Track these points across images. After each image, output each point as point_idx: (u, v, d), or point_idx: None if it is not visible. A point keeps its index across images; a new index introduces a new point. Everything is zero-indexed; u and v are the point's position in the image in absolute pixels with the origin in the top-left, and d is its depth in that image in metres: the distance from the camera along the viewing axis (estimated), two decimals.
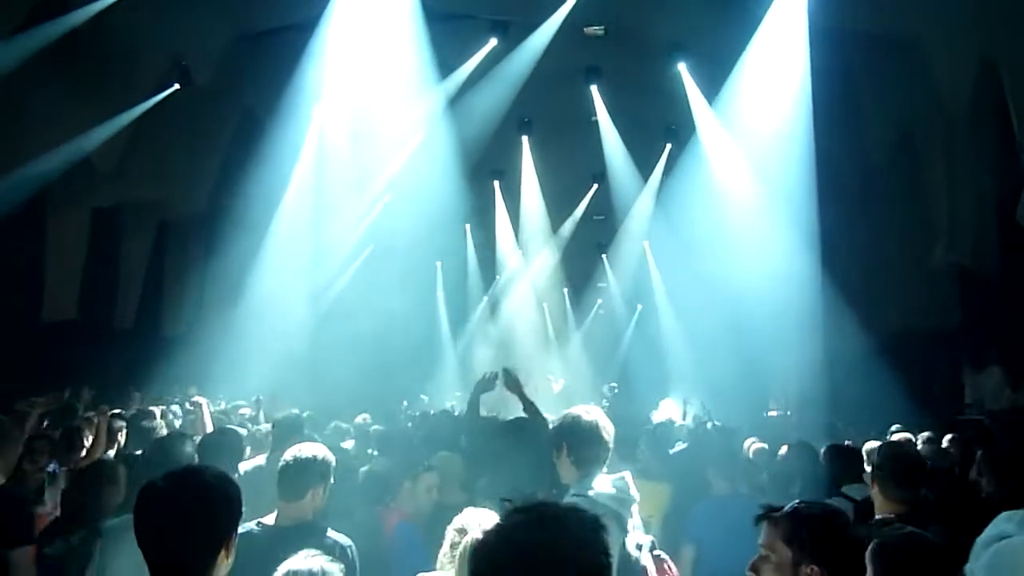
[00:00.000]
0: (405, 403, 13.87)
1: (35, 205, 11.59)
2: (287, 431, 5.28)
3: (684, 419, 12.23)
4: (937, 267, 11.56)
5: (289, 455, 3.43)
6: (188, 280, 15.41)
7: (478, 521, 2.99)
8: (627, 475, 3.02)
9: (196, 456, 3.97)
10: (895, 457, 3.63)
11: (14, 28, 9.18)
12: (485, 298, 20.97)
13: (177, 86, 11.91)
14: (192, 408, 6.64)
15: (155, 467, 3.29)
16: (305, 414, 6.78)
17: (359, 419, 8.43)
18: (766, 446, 6.74)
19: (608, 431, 3.01)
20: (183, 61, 11.91)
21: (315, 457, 3.41)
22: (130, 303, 14.33)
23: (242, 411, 9.16)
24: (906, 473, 3.53)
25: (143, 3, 10.38)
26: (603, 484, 2.92)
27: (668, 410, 14.37)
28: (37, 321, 12.18)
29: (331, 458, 3.50)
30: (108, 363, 12.30)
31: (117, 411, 6.69)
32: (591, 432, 2.98)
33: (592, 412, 3.09)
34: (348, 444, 6.58)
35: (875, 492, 3.57)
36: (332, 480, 3.49)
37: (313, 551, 2.55)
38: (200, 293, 15.40)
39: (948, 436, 7.00)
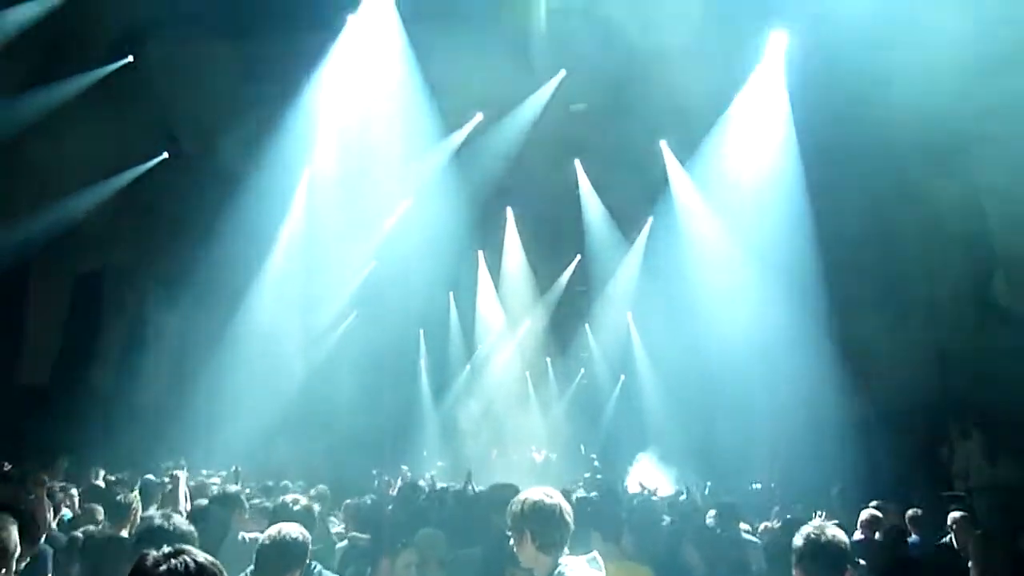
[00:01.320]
0: (375, 472, 13.60)
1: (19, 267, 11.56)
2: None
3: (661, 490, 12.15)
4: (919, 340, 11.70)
5: (268, 536, 3.35)
6: (166, 345, 15.26)
7: None
8: (596, 554, 2.99)
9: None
10: (815, 546, 3.51)
11: (12, 90, 9.34)
12: (468, 367, 20.89)
13: (166, 155, 12.06)
14: (169, 481, 6.50)
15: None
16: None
17: (313, 491, 8.11)
18: (746, 527, 6.68)
19: (568, 513, 2.99)
20: (173, 131, 12.09)
21: (295, 539, 3.33)
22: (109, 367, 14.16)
23: (213, 482, 8.93)
24: (826, 564, 3.33)
25: (135, 69, 10.61)
26: (578, 566, 2.88)
27: (643, 476, 14.26)
28: (12, 384, 12.01)
29: (308, 538, 3.44)
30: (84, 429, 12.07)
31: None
32: (555, 516, 2.93)
33: (552, 495, 3.05)
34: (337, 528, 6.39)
35: None
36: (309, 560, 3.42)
37: None
38: (179, 359, 15.24)
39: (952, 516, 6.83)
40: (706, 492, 11.03)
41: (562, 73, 12.12)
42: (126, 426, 12.48)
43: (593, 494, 6.08)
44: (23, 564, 3.27)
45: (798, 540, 3.61)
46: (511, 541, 2.99)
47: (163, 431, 12.36)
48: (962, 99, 9.27)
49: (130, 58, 10.78)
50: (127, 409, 13.63)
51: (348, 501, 6.53)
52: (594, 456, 17.67)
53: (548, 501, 2.99)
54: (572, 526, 2.98)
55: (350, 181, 13.43)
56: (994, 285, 9.75)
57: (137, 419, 12.94)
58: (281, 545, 3.31)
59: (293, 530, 3.39)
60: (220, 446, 11.50)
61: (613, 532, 4.22)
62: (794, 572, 3.43)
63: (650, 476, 14.50)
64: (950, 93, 9.00)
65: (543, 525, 2.94)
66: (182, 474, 6.18)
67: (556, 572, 2.89)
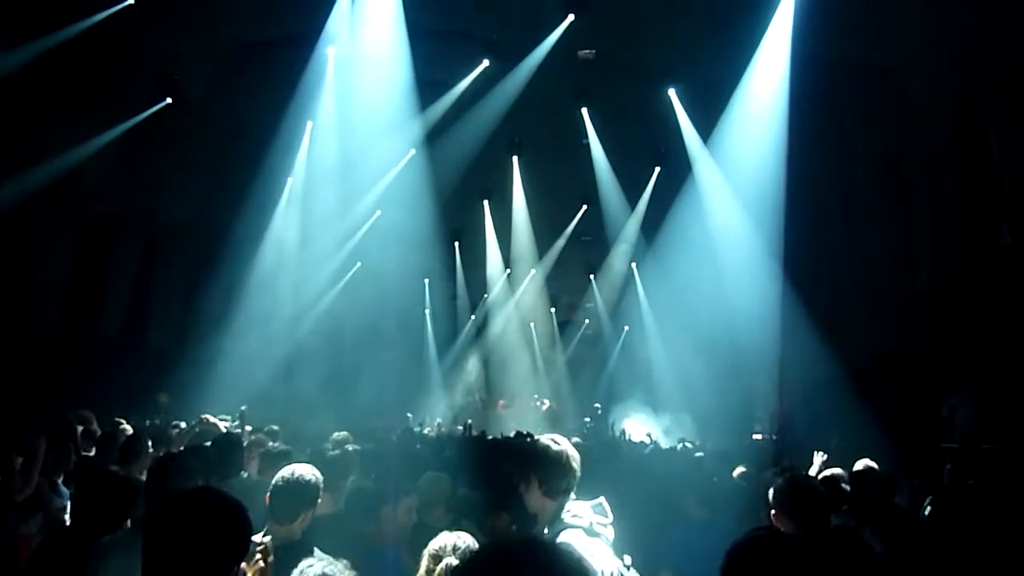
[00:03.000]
0: (410, 415, 13.90)
1: (22, 216, 11.56)
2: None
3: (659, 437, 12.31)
4: (919, 292, 11.69)
5: (281, 478, 3.42)
6: (175, 292, 15.37)
7: (453, 545, 2.99)
8: (603, 500, 3.02)
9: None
10: (793, 492, 3.49)
11: (8, 41, 9.19)
12: (473, 317, 20.98)
13: (169, 100, 11.93)
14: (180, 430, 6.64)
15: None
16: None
17: (337, 436, 8.30)
18: (744, 469, 6.76)
19: (576, 459, 3.02)
20: (175, 75, 11.93)
21: (308, 480, 3.42)
22: (116, 314, 14.27)
23: (223, 424, 9.08)
24: (806, 508, 3.41)
25: (136, 17, 10.42)
26: (583, 511, 2.92)
27: (638, 426, 14.44)
28: (25, 329, 12.14)
29: (320, 479, 3.51)
30: (93, 374, 12.23)
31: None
32: (561, 463, 2.97)
33: (560, 442, 3.09)
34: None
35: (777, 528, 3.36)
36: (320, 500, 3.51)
37: (311, 560, 2.56)
38: (188, 306, 15.36)
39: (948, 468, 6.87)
40: (697, 443, 11.18)
41: (570, 18, 11.86)
42: (134, 370, 12.65)
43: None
44: None
45: (780, 483, 3.68)
46: (520, 487, 3.03)
47: (171, 375, 12.50)
48: None
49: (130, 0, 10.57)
50: (134, 353, 13.82)
51: (354, 447, 6.63)
52: (598, 405, 17.86)
53: (555, 448, 3.03)
54: (579, 472, 3.02)
55: (353, 132, 13.31)
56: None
57: (144, 363, 13.10)
58: (294, 485, 3.39)
59: (306, 471, 3.46)
60: (227, 390, 11.63)
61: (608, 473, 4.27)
62: (772, 514, 3.50)
63: (644, 425, 14.71)
64: None
65: (550, 472, 2.97)
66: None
67: (559, 517, 2.93)
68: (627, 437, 12.70)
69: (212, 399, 11.41)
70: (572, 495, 3.00)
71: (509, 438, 8.99)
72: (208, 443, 5.16)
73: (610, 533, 2.93)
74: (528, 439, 4.78)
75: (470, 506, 4.80)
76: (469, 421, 12.58)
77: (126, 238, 14.24)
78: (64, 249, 12.69)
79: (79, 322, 13.05)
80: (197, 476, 3.57)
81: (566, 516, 2.91)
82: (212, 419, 6.79)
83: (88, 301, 13.49)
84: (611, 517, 2.97)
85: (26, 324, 12.13)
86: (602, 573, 2.71)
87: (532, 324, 21.03)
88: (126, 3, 10.39)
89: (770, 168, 11.52)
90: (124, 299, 14.35)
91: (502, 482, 3.08)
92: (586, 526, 2.88)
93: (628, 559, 2.96)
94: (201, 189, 14.24)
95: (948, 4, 9.27)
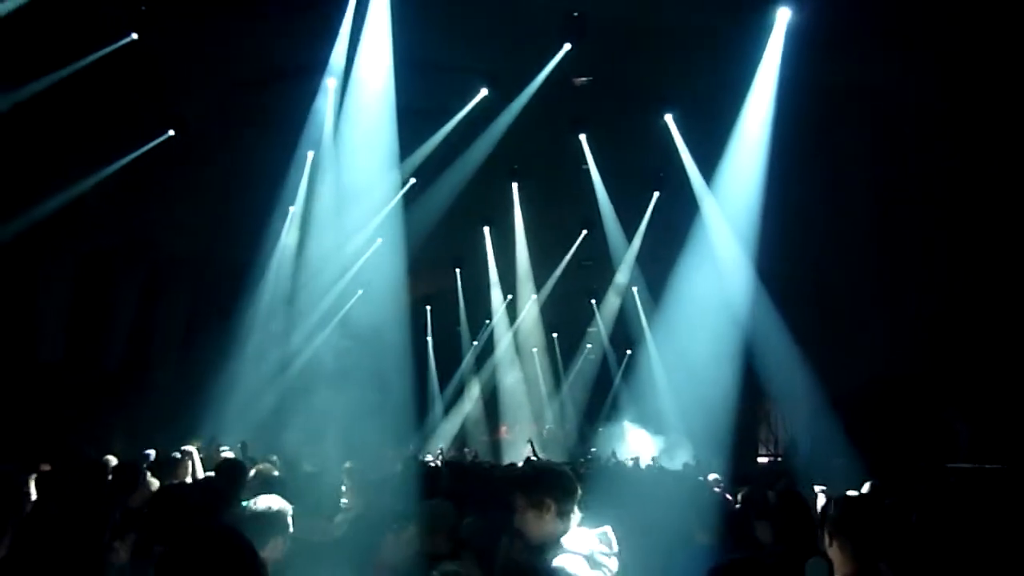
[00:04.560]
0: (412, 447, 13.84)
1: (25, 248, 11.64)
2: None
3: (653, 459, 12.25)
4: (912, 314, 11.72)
5: (248, 510, 3.56)
6: (176, 325, 15.40)
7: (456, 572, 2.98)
8: (608, 530, 3.00)
9: None
10: (858, 514, 3.26)
11: (16, 78, 9.34)
12: (475, 343, 20.99)
13: (171, 133, 12.07)
14: (181, 456, 6.64)
15: None
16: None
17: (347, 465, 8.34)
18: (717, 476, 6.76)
19: (576, 483, 3.04)
20: (176, 108, 12.10)
21: (274, 511, 3.53)
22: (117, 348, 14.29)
23: (225, 454, 9.08)
24: (869, 534, 3.20)
25: (139, 52, 10.57)
26: (587, 539, 2.90)
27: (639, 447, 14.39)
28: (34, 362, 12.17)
29: (288, 508, 3.60)
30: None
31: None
32: (573, 485, 2.98)
33: (563, 467, 3.13)
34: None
35: (833, 550, 3.23)
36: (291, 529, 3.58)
37: None
38: (189, 339, 15.38)
39: None
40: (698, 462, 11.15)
41: (567, 47, 12.00)
42: (137, 403, 12.64)
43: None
44: None
45: (832, 507, 3.49)
46: (526, 512, 3.01)
47: (174, 408, 12.49)
48: None
49: (134, 36, 10.73)
50: (136, 386, 13.81)
51: (348, 465, 6.64)
52: (602, 428, 17.82)
53: (560, 470, 3.05)
54: (580, 494, 3.04)
55: (353, 162, 13.41)
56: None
57: (147, 396, 13.08)
58: (260, 516, 3.53)
59: (273, 501, 3.60)
60: (229, 422, 11.63)
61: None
62: (828, 535, 3.28)
63: (645, 446, 14.65)
64: None
65: (565, 494, 2.98)
66: (192, 449, 6.30)
67: (558, 544, 2.91)
68: (628, 460, 12.66)
69: (217, 430, 11.41)
70: (575, 522, 3.00)
71: (522, 464, 8.98)
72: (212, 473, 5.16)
73: (613, 565, 2.90)
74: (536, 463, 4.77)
75: (472, 534, 4.78)
76: (475, 449, 12.53)
77: (128, 270, 14.31)
78: (65, 281, 12.76)
79: (82, 354, 13.07)
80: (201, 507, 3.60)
81: (568, 543, 2.90)
82: (190, 449, 6.78)
83: (90, 333, 13.52)
84: (616, 548, 2.95)
85: (34, 357, 12.17)
86: None
87: (534, 350, 21.03)
88: (129, 39, 10.56)
89: (764, 190, 11.62)
90: (124, 332, 14.38)
91: (516, 508, 3.08)
92: (586, 554, 2.87)
93: None
94: (203, 221, 14.32)
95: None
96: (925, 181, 11.25)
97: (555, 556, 2.85)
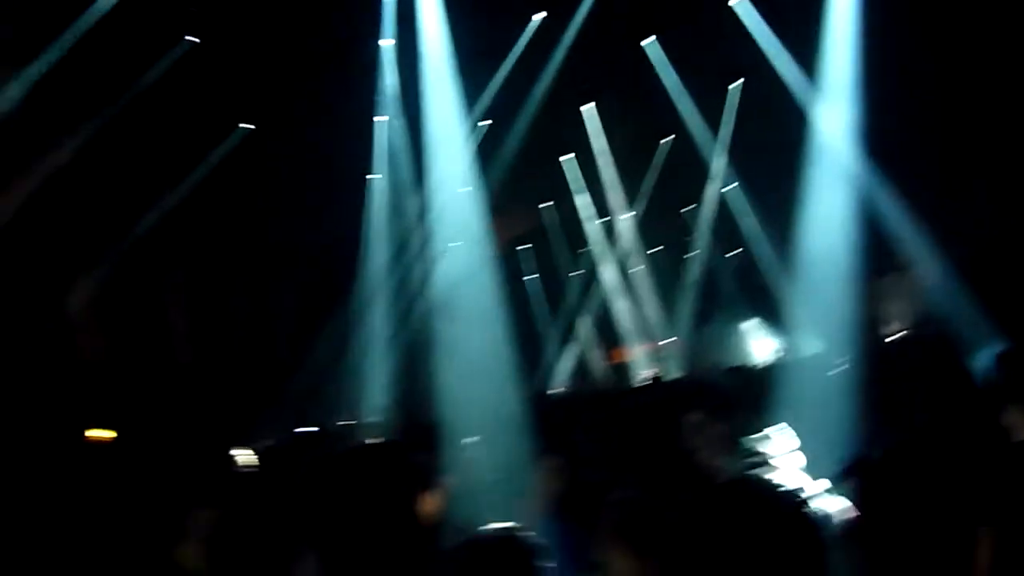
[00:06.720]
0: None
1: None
2: None
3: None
4: None
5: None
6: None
7: None
8: (784, 426, 2.93)
9: None
10: None
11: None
12: (578, 273, 20.89)
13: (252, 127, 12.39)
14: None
15: None
16: None
17: None
18: None
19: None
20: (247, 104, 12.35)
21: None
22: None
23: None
24: None
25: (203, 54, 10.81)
26: (776, 441, 2.83)
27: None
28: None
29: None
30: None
31: None
32: (730, 393, 2.92)
33: (704, 373, 3.05)
34: None
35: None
36: None
37: None
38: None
39: None
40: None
41: None
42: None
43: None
44: None
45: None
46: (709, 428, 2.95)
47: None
48: None
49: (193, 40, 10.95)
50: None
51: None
52: (719, 335, 17.53)
53: (716, 382, 2.98)
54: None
55: (424, 118, 13.37)
56: None
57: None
58: None
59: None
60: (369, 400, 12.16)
61: None
62: None
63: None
64: None
65: (723, 403, 2.92)
66: None
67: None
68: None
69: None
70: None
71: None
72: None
73: (795, 460, 2.83)
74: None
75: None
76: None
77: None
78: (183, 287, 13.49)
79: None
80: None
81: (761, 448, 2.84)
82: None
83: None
84: (796, 442, 2.87)
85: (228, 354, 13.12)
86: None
87: (636, 268, 20.74)
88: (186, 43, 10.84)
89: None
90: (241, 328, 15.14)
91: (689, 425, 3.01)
92: (763, 461, 2.80)
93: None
94: (301, 212, 14.70)
95: None
96: None
97: (751, 466, 2.81)
